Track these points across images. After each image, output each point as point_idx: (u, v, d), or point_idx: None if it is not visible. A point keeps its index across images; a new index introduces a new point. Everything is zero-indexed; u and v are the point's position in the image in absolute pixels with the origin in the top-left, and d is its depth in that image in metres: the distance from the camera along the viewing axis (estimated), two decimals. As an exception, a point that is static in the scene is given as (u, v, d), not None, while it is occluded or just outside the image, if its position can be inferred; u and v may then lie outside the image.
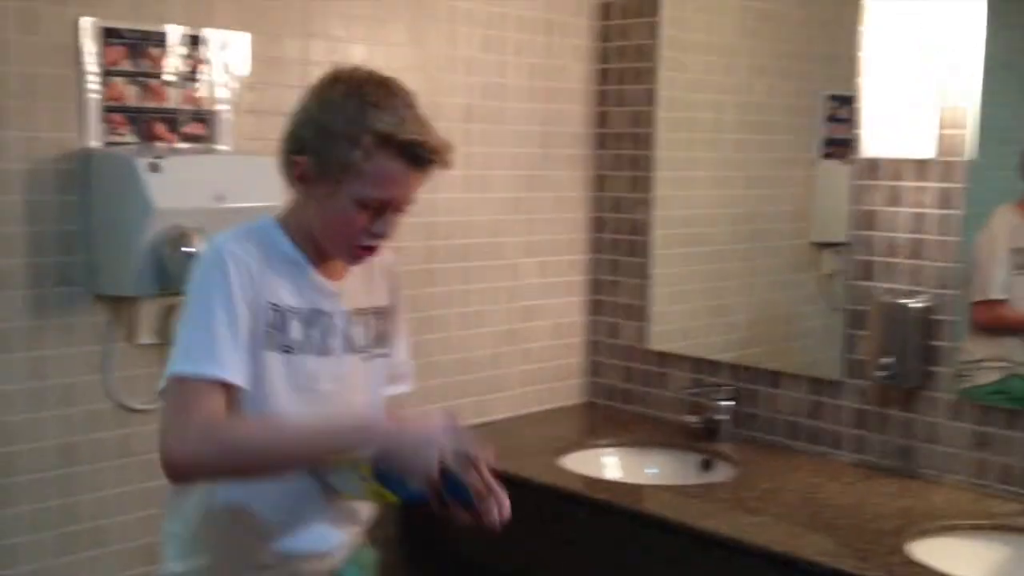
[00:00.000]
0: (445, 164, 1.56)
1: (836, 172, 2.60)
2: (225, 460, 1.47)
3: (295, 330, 1.58)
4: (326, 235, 1.58)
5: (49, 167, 2.02)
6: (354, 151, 1.50)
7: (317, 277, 1.61)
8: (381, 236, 1.57)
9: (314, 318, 1.60)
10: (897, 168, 2.40)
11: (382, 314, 1.72)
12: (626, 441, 2.70)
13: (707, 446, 2.62)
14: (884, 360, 2.38)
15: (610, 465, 2.64)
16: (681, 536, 2.11)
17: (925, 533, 2.08)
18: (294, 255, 1.59)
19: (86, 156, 2.05)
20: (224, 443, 1.46)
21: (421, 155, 1.53)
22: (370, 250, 1.59)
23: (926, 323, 2.35)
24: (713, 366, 2.76)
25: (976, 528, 2.12)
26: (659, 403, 2.88)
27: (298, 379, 1.58)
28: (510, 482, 2.29)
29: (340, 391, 1.63)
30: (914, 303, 2.35)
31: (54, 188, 2.03)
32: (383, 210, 1.55)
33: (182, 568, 1.62)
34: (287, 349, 1.57)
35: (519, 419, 2.85)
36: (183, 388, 1.47)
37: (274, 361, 1.55)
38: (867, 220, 2.45)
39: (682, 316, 2.93)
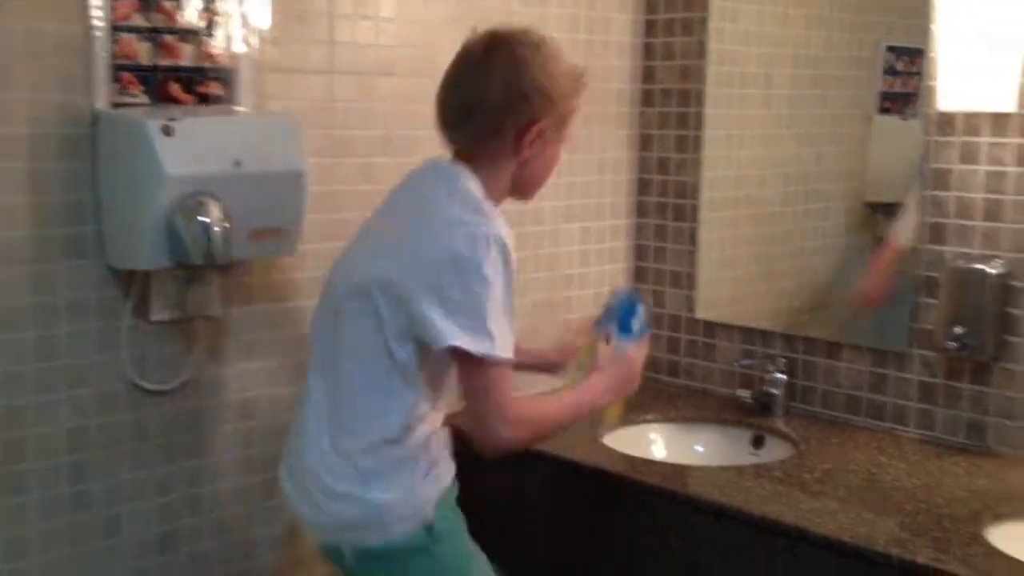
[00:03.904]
0: None
1: (893, 128, 2.45)
2: (535, 440, 1.79)
3: None
4: (540, 181, 1.85)
5: (55, 132, 1.88)
6: (576, 99, 1.80)
7: None
8: None
9: None
10: (973, 122, 2.21)
11: None
12: (672, 416, 2.55)
13: (759, 422, 2.47)
14: (955, 329, 2.21)
15: (656, 442, 2.50)
16: (738, 523, 1.96)
17: (1005, 518, 1.93)
18: None
19: (94, 119, 1.91)
20: (537, 429, 1.77)
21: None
22: None
23: (1002, 290, 2.18)
24: (765, 336, 2.61)
25: (1060, 512, 1.96)
26: (707, 376, 2.74)
27: None
28: (552, 462, 2.20)
29: None
30: (989, 268, 2.17)
31: (60, 154, 1.89)
32: None
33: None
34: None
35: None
36: (501, 374, 1.68)
37: None
38: (938, 179, 2.27)
39: (731, 283, 2.78)
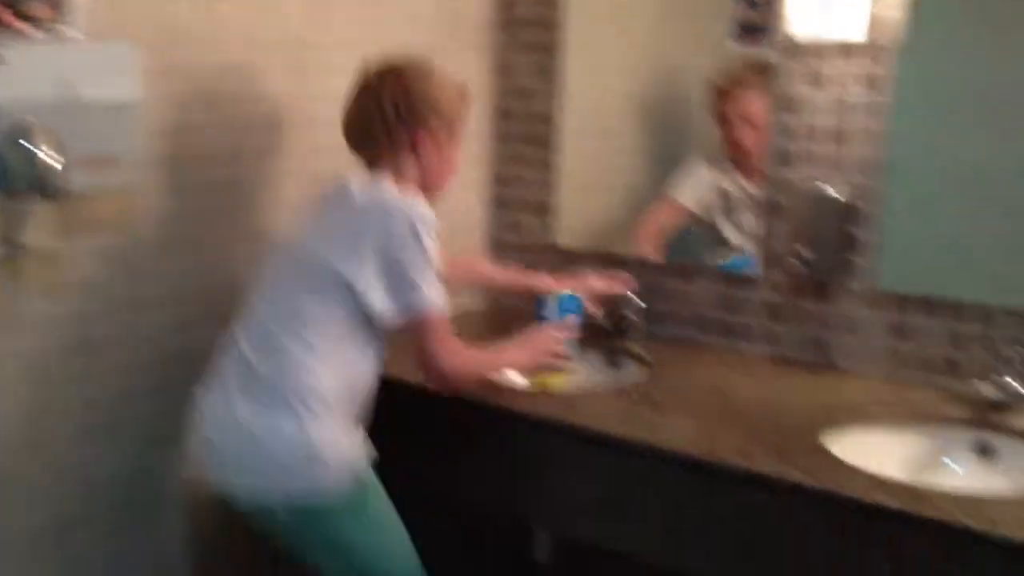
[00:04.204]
0: None
1: (750, 58, 2.48)
2: (472, 377, 2.10)
3: None
4: (441, 182, 2.13)
5: None
6: (461, 107, 2.12)
7: None
8: None
9: None
10: (821, 51, 2.26)
11: None
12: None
13: (615, 344, 2.51)
14: (801, 251, 2.29)
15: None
16: (591, 442, 2.01)
17: (842, 427, 2.01)
18: None
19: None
20: (474, 368, 2.11)
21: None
22: None
23: (845, 213, 2.25)
24: (621, 261, 2.64)
25: (894, 420, 2.06)
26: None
27: None
28: (411, 392, 2.21)
29: None
30: (834, 192, 2.24)
31: None
32: None
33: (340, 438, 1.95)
34: None
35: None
36: (442, 320, 1.99)
37: None
38: (791, 105, 2.32)
39: (592, 211, 2.81)
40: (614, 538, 2.00)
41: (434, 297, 1.97)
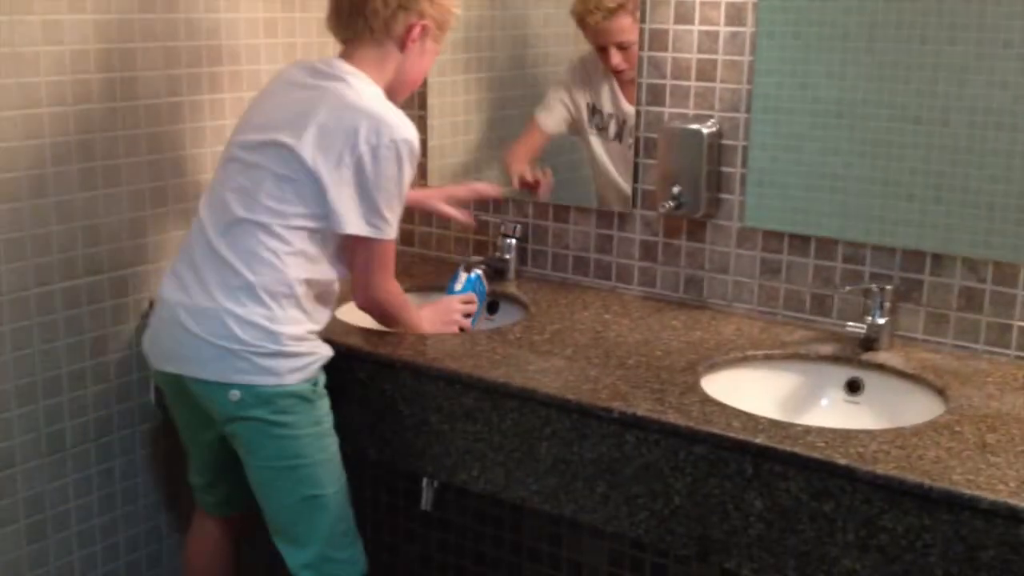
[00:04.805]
0: None
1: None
2: (386, 313, 2.13)
3: None
4: (414, 83, 2.10)
5: None
6: (453, 10, 2.06)
7: None
8: None
9: None
10: (686, -18, 2.23)
11: None
12: (407, 286, 2.49)
13: (493, 288, 2.48)
14: (673, 189, 2.28)
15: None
16: (468, 388, 1.97)
17: (718, 367, 2.03)
18: None
19: None
20: (396, 310, 2.13)
21: None
22: None
23: (715, 149, 2.25)
24: (496, 203, 2.60)
25: (767, 358, 2.09)
26: (441, 244, 2.72)
27: None
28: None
29: None
30: (703, 128, 2.23)
31: None
32: None
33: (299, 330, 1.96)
34: None
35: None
36: (389, 249, 2.02)
37: None
38: (658, 40, 2.29)
39: (464, 150, 2.74)
40: (498, 485, 1.97)
41: (394, 229, 1.99)
